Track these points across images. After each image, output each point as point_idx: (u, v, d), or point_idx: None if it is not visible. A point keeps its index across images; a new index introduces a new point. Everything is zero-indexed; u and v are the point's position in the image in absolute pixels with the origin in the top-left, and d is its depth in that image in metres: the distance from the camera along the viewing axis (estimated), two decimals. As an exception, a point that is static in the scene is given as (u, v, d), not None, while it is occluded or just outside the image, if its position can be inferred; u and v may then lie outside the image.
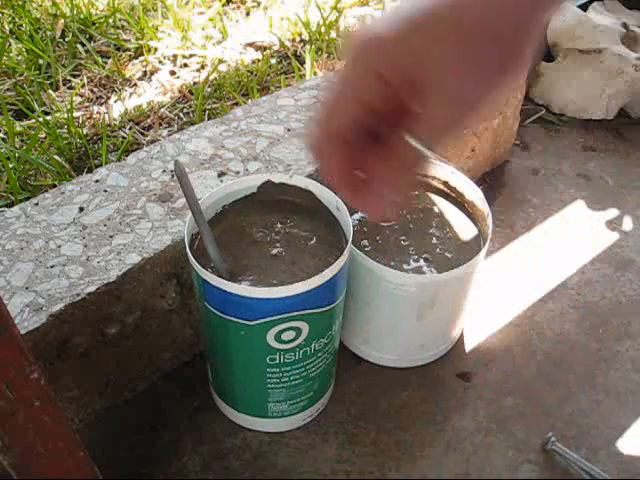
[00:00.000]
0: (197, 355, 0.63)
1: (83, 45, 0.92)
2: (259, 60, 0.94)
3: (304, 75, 0.89)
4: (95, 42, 0.94)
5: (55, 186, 0.70)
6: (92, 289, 0.49)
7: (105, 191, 0.57)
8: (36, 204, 0.56)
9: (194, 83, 0.89)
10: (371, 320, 0.60)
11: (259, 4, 1.06)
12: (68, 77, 0.88)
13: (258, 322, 0.45)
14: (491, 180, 0.84)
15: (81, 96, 0.85)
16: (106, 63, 0.90)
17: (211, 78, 0.88)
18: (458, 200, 0.63)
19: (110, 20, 0.96)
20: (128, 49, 0.93)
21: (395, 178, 0.28)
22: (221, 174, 0.59)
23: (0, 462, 0.34)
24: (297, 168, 0.60)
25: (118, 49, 0.93)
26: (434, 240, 0.59)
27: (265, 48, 0.97)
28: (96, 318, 0.51)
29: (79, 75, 0.88)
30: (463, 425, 0.59)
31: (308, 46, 0.95)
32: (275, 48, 0.97)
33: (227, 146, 0.63)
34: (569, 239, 0.77)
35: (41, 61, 0.88)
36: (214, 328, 0.49)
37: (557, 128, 0.92)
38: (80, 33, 0.93)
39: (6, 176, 0.72)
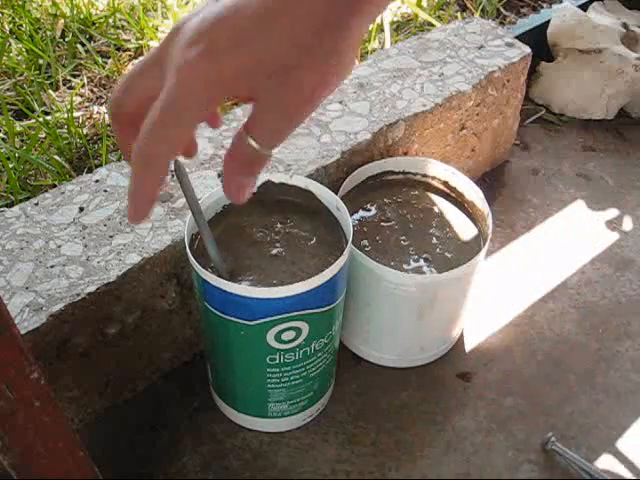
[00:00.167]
0: (197, 355, 0.63)
1: (83, 45, 0.92)
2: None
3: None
4: (95, 42, 0.94)
5: (55, 186, 0.70)
6: (92, 289, 0.49)
7: (105, 191, 0.57)
8: (36, 204, 0.56)
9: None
10: (371, 320, 0.60)
11: (259, 4, 1.06)
12: (68, 77, 0.88)
13: (258, 322, 0.45)
14: (491, 180, 0.84)
15: (81, 96, 0.85)
16: (106, 63, 0.90)
17: (211, 78, 0.87)
18: (458, 200, 0.63)
19: (110, 20, 0.96)
20: (128, 49, 0.93)
21: (234, 169, 0.33)
22: (221, 174, 0.59)
23: (0, 462, 0.34)
24: (297, 168, 0.60)
25: (118, 49, 0.93)
26: (434, 240, 0.59)
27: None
28: (96, 318, 0.51)
29: (79, 75, 0.88)
30: (463, 425, 0.59)
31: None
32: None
33: (227, 146, 0.63)
34: (569, 239, 0.77)
35: (41, 61, 0.88)
36: (214, 328, 0.49)
37: (557, 128, 0.92)
38: (80, 33, 0.93)
39: (6, 176, 0.72)
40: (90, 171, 0.63)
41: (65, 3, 0.97)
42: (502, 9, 1.05)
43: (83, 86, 0.86)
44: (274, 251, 0.49)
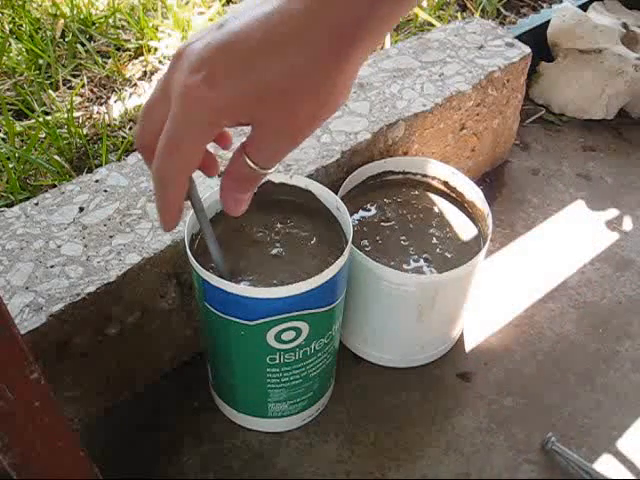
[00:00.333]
0: (197, 355, 0.63)
1: (83, 45, 0.92)
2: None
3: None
4: (95, 42, 0.94)
5: (55, 186, 0.70)
6: (92, 289, 0.49)
7: (105, 191, 0.57)
8: (36, 204, 0.56)
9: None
10: (371, 320, 0.60)
11: (259, 4, 1.06)
12: (68, 77, 0.88)
13: (258, 322, 0.45)
14: (491, 180, 0.84)
15: (81, 96, 0.85)
16: (106, 63, 0.90)
17: (211, 78, 0.87)
18: (458, 200, 0.63)
19: (110, 20, 0.96)
20: (128, 49, 0.93)
21: (231, 185, 0.35)
22: (221, 174, 0.59)
23: (0, 462, 0.34)
24: (297, 168, 0.60)
25: (118, 49, 0.93)
26: (434, 240, 0.59)
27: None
28: (96, 318, 0.51)
29: (79, 75, 0.88)
30: (463, 425, 0.59)
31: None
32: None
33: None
34: (569, 239, 0.77)
35: (41, 61, 0.88)
36: (214, 328, 0.49)
37: (557, 128, 0.92)
38: (80, 33, 0.93)
39: (6, 176, 0.72)
40: (90, 171, 0.63)
41: (65, 3, 0.97)
42: (502, 9, 1.05)
43: (83, 86, 0.86)
44: (274, 251, 0.49)
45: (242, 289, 0.43)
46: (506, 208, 0.80)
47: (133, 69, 0.90)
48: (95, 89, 0.87)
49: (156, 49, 0.93)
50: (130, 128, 0.81)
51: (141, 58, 0.92)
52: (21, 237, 0.53)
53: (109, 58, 0.91)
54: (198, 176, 0.59)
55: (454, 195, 0.63)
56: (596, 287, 0.72)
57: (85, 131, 0.80)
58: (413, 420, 0.59)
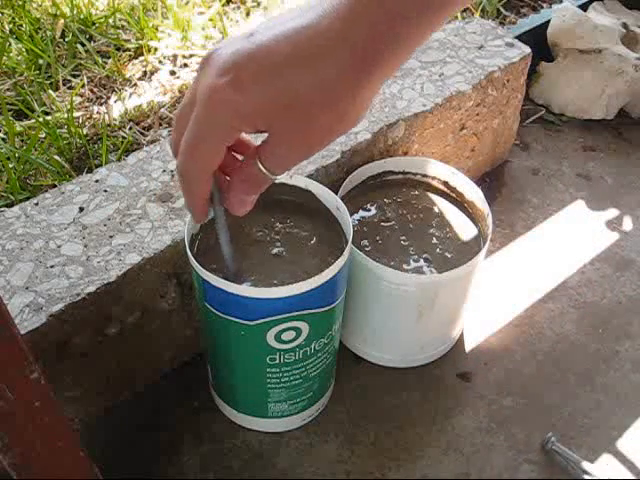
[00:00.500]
0: (197, 355, 0.63)
1: (83, 45, 0.92)
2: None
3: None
4: (95, 42, 0.94)
5: (55, 186, 0.70)
6: (92, 289, 0.49)
7: (105, 191, 0.57)
8: (36, 204, 0.56)
9: (194, 83, 0.89)
10: (371, 320, 0.60)
11: (259, 4, 1.06)
12: (68, 77, 0.88)
13: (258, 322, 0.45)
14: (491, 180, 0.84)
15: (81, 96, 0.85)
16: (106, 63, 0.90)
17: (211, 78, 0.87)
18: (458, 200, 0.63)
19: (110, 20, 0.96)
20: (128, 49, 0.93)
21: (239, 186, 0.36)
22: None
23: (0, 462, 0.34)
24: (297, 168, 0.60)
25: (118, 49, 0.93)
26: (434, 240, 0.59)
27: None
28: (96, 318, 0.51)
29: (79, 75, 0.88)
30: (463, 425, 0.59)
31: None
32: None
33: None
34: (569, 239, 0.77)
35: (41, 61, 0.88)
36: (214, 328, 0.49)
37: (557, 128, 0.92)
38: (80, 33, 0.93)
39: (6, 176, 0.72)
40: (90, 171, 0.63)
41: (65, 3, 0.97)
42: (502, 9, 1.05)
43: (83, 86, 0.86)
44: (274, 251, 0.49)
45: (242, 289, 0.43)
46: (506, 208, 0.80)
47: (133, 69, 0.90)
48: (95, 89, 0.87)
49: (156, 49, 0.93)
50: (130, 128, 0.81)
51: (141, 58, 0.92)
52: (21, 237, 0.53)
53: (109, 58, 0.91)
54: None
55: (454, 195, 0.63)
56: (596, 287, 0.72)
57: (85, 131, 0.80)
58: (413, 420, 0.59)
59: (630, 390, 0.62)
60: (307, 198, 0.52)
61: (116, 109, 0.84)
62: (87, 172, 0.74)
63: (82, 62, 0.90)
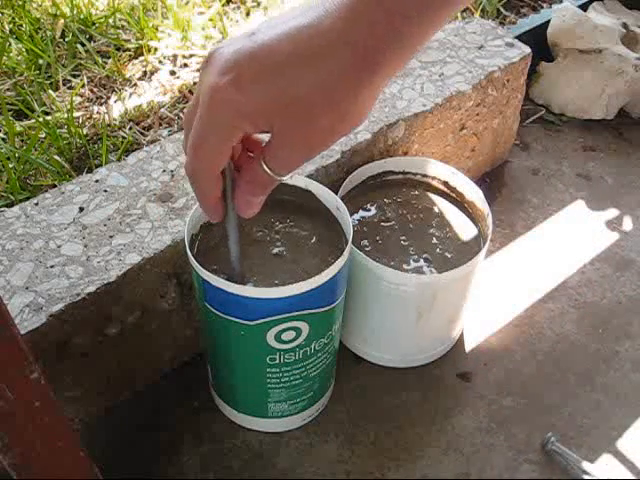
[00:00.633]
0: (197, 355, 0.63)
1: (83, 45, 0.92)
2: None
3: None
4: (95, 42, 0.94)
5: (55, 186, 0.70)
6: (92, 289, 0.49)
7: (105, 191, 0.57)
8: (36, 204, 0.56)
9: (194, 83, 0.89)
10: (371, 320, 0.60)
11: (259, 4, 1.06)
12: (68, 77, 0.88)
13: (258, 322, 0.45)
14: (491, 180, 0.84)
15: (81, 96, 0.85)
16: (106, 63, 0.90)
17: (211, 78, 0.87)
18: (458, 200, 0.63)
19: (110, 20, 0.96)
20: (128, 49, 0.93)
21: (245, 188, 0.36)
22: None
23: (0, 462, 0.34)
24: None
25: (118, 49, 0.93)
26: (434, 240, 0.59)
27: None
28: (96, 318, 0.51)
29: (79, 75, 0.88)
30: (463, 425, 0.59)
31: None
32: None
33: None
34: (569, 239, 0.77)
35: (41, 61, 0.88)
36: (214, 328, 0.49)
37: (557, 128, 0.92)
38: (80, 33, 0.93)
39: (6, 176, 0.72)
40: (90, 171, 0.63)
41: (65, 3, 0.97)
42: (502, 9, 1.05)
43: (83, 86, 0.86)
44: (274, 251, 0.49)
45: (242, 289, 0.43)
46: (506, 208, 0.80)
47: (133, 69, 0.90)
48: (95, 89, 0.87)
49: (156, 49, 0.93)
50: (130, 128, 0.81)
51: (141, 58, 0.92)
52: (21, 237, 0.53)
53: (109, 58, 0.91)
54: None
55: (454, 195, 0.63)
56: (596, 287, 0.72)
57: (85, 131, 0.80)
58: (413, 420, 0.59)
59: (630, 390, 0.62)
60: (307, 198, 0.52)
61: (116, 109, 0.84)
62: (87, 172, 0.74)
63: (82, 62, 0.90)
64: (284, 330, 0.46)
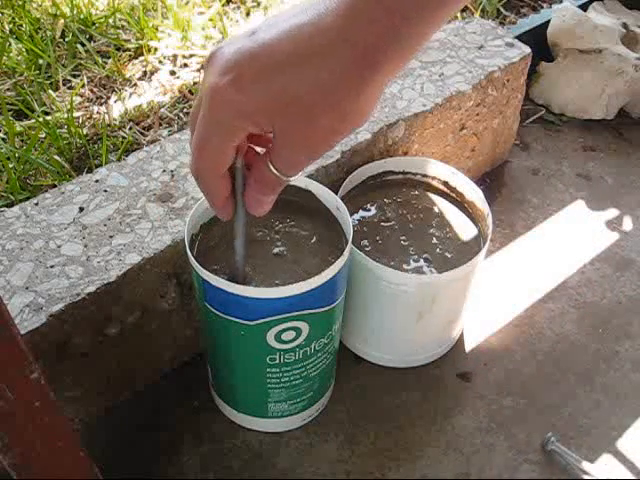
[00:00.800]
0: (197, 355, 0.63)
1: (83, 45, 0.92)
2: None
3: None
4: (95, 42, 0.94)
5: (55, 186, 0.70)
6: (92, 289, 0.49)
7: (105, 191, 0.57)
8: (36, 204, 0.56)
9: (194, 83, 0.89)
10: (371, 320, 0.60)
11: (259, 4, 1.06)
12: (68, 77, 0.88)
13: (258, 322, 0.45)
14: (491, 180, 0.84)
15: (81, 96, 0.85)
16: (106, 63, 0.90)
17: (211, 78, 0.87)
18: (458, 200, 0.63)
19: (110, 20, 0.96)
20: (128, 49, 0.93)
21: (254, 187, 0.36)
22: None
23: (0, 462, 0.34)
24: (297, 168, 0.60)
25: (118, 49, 0.93)
26: (434, 240, 0.59)
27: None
28: (96, 318, 0.51)
29: (79, 75, 0.88)
30: (463, 425, 0.59)
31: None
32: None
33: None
34: (569, 239, 0.77)
35: (41, 61, 0.88)
36: (214, 328, 0.49)
37: (557, 128, 0.92)
38: (80, 33, 0.93)
39: (6, 176, 0.72)
40: (90, 171, 0.63)
41: (65, 3, 0.97)
42: (502, 9, 1.05)
43: (83, 86, 0.86)
44: (275, 250, 0.49)
45: (242, 289, 0.43)
46: (506, 208, 0.80)
47: (133, 69, 0.90)
48: (95, 89, 0.87)
49: (156, 49, 0.93)
50: (130, 128, 0.81)
51: (141, 58, 0.92)
52: (21, 237, 0.53)
53: (109, 58, 0.91)
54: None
55: (454, 195, 0.63)
56: (596, 287, 0.72)
57: (85, 131, 0.80)
58: (413, 420, 0.59)
59: (630, 390, 0.62)
60: (307, 198, 0.52)
61: (116, 109, 0.84)
62: (87, 172, 0.74)
63: (82, 62, 0.90)
64: (284, 330, 0.46)
